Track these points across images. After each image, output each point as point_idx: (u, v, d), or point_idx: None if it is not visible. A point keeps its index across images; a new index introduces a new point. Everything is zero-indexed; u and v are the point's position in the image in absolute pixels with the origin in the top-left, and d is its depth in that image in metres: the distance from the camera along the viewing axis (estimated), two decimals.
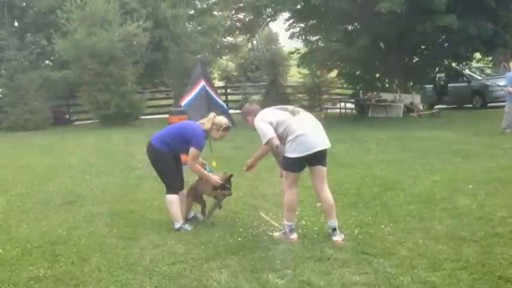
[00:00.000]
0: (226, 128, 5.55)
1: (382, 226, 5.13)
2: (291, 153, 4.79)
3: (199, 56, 23.52)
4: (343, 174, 8.05)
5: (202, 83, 17.17)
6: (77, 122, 25.73)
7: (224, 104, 18.29)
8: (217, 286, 3.84)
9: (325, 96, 25.34)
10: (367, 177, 7.78)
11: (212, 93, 17.56)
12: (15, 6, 25.15)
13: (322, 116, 20.91)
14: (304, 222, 5.45)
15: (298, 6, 18.00)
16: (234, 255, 4.47)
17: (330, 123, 17.90)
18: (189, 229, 5.37)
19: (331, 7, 16.58)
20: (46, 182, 8.29)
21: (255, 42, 56.97)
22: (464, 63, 20.74)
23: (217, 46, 30.77)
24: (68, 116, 26.49)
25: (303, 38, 19.80)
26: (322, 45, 19.39)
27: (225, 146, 12.04)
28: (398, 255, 4.32)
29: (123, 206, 6.46)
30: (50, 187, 7.91)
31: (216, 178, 5.51)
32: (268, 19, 20.39)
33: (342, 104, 21.58)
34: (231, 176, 5.66)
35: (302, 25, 19.88)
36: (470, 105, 21.30)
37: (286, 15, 20.14)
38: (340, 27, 17.14)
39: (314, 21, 19.84)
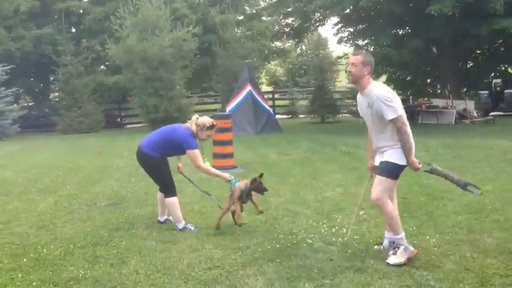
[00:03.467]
0: (211, 127, 5.52)
1: (428, 237, 4.92)
2: (401, 160, 4.38)
3: (247, 60, 23.64)
4: None
5: (249, 87, 17.24)
6: (128, 126, 26.41)
7: (270, 109, 18.23)
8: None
9: None
10: (414, 185, 7.53)
11: (258, 97, 17.61)
12: (72, 13, 26.17)
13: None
14: (345, 230, 5.29)
15: (347, 11, 17.78)
16: (271, 262, 4.39)
17: None
18: (193, 229, 5.45)
19: (380, 10, 16.25)
20: (93, 184, 8.49)
21: (303, 47, 56.94)
22: None
23: (265, 51, 30.94)
24: (119, 120, 27.23)
25: (352, 42, 19.49)
26: (371, 49, 19.00)
27: (269, 150, 12.01)
28: (443, 268, 4.11)
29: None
30: (97, 188, 8.08)
31: (226, 175, 5.50)
32: (317, 24, 20.20)
33: None
34: (261, 175, 5.52)
35: (351, 29, 19.58)
36: None
37: (335, 19, 19.93)
38: (390, 31, 16.73)
39: (363, 26, 19.52)
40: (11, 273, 4.33)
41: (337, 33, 19.83)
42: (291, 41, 29.63)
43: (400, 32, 18.75)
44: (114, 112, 27.13)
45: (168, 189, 5.58)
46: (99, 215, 6.33)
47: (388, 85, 22.47)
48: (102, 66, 28.78)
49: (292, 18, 19.93)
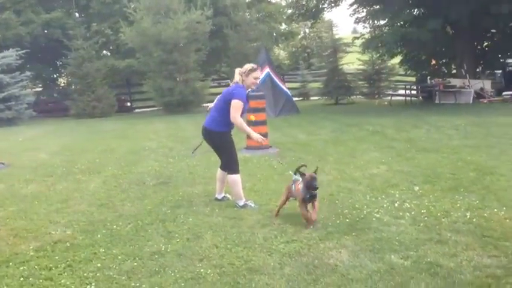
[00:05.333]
0: (252, 69, 5.43)
1: (495, 210, 4.96)
2: None
3: (258, 43, 23.57)
4: (431, 159, 7.84)
5: (267, 69, 17.15)
6: (137, 110, 26.34)
7: (288, 91, 18.20)
8: (341, 265, 3.81)
9: (385, 83, 24.90)
10: (458, 162, 7.55)
11: (276, 79, 17.54)
12: None
13: (386, 103, 20.57)
14: (408, 205, 5.33)
15: None
16: (348, 236, 4.44)
17: (396, 109, 17.59)
18: (253, 205, 5.49)
19: None
20: (133, 164, 8.51)
21: (307, 30, 56.70)
22: None
23: (274, 34, 30.77)
24: (129, 104, 27.14)
25: (370, 22, 19.38)
26: (388, 29, 18.88)
27: (296, 131, 12.03)
28: None
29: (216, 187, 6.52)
30: (139, 169, 8.11)
31: (258, 136, 5.40)
32: (332, 4, 20.06)
33: (407, 91, 21.07)
34: (315, 170, 4.93)
35: (368, 8, 19.44)
36: None
37: (349, 0, 19.78)
38: (408, 10, 16.60)
39: (378, 6, 19.39)
40: (91, 248, 4.38)
41: (353, 14, 19.73)
42: (300, 23, 29.40)
43: (417, 12, 18.58)
44: (121, 96, 27.05)
45: (233, 166, 5.59)
46: (153, 194, 6.36)
47: (403, 65, 22.48)
48: (105, 51, 28.47)
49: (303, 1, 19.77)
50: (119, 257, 4.15)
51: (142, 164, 8.52)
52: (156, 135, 12.70)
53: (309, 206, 4.78)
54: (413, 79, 25.68)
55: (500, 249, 3.96)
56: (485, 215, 4.83)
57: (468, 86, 18.40)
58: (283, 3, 30.85)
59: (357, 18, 19.76)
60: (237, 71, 5.59)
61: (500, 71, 22.07)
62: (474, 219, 4.72)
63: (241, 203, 5.53)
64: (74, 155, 9.79)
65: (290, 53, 57.62)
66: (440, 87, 18.57)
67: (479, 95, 18.36)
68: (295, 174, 5.02)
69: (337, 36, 26.16)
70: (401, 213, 5.03)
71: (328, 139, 10.70)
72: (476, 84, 18.66)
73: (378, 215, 5.00)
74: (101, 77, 23.02)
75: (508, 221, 4.64)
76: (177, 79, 20.42)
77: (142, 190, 6.59)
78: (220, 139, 5.56)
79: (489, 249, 3.98)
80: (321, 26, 50.42)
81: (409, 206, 5.29)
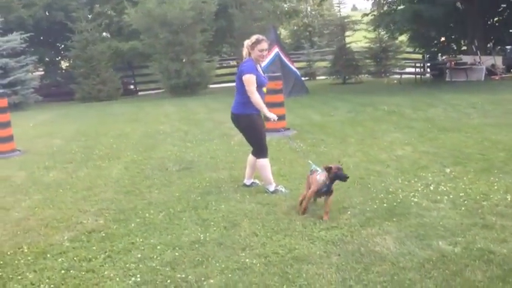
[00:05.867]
0: (257, 41, 5.26)
1: None
2: None
3: (263, 23, 23.25)
4: (455, 139, 7.73)
5: (276, 49, 16.92)
6: (140, 93, 26.11)
7: (297, 70, 17.98)
8: (389, 252, 3.72)
9: (392, 62, 24.63)
10: (484, 141, 7.45)
11: (285, 59, 17.32)
12: None
13: (395, 82, 20.36)
14: (443, 188, 5.23)
15: None
16: (389, 222, 4.34)
17: (407, 88, 17.42)
18: (285, 190, 5.37)
19: None
20: (152, 149, 8.40)
21: (308, 8, 56.03)
22: None
23: (278, 12, 30.35)
24: (132, 87, 26.84)
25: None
26: (399, 7, 18.57)
27: (309, 112, 11.89)
28: None
29: (241, 173, 6.41)
30: (158, 154, 8.00)
31: (272, 114, 5.26)
32: None
33: (417, 69, 20.83)
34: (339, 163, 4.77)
35: None
36: None
37: None
38: None
39: None
40: (127, 238, 4.30)
41: None
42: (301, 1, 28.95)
43: None
44: (124, 79, 26.72)
45: (262, 150, 5.47)
46: (178, 180, 6.26)
47: (412, 43, 22.18)
48: (104, 34, 27.98)
49: None
50: (158, 247, 4.06)
51: (161, 149, 8.41)
52: (167, 118, 12.56)
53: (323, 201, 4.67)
54: (419, 57, 25.46)
55: None
56: None
57: (479, 62, 18.17)
58: None
59: None
60: (245, 44, 5.43)
61: (510, 47, 21.81)
62: None
63: (271, 188, 5.42)
64: (89, 140, 9.67)
65: (292, 31, 56.99)
66: (451, 65, 18.34)
67: (490, 71, 18.15)
68: (322, 169, 4.67)
69: (344, 14, 25.90)
70: (439, 197, 4.93)
71: (344, 120, 10.57)
72: (488, 60, 18.43)
73: (415, 199, 4.90)
74: (105, 60, 22.73)
75: None
76: (184, 61, 20.16)
77: (167, 176, 6.49)
78: (247, 122, 5.41)
79: None
80: (323, 4, 49.84)
81: (444, 189, 5.20)
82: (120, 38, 26.19)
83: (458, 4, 19.32)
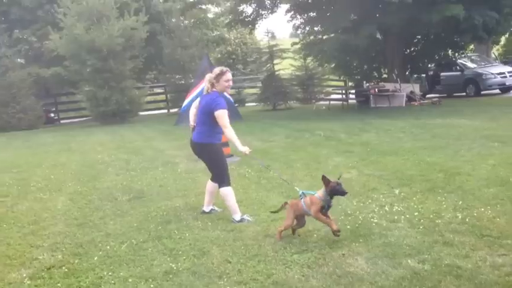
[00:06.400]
0: (221, 73, 5.30)
1: (482, 209, 5.20)
2: None
3: (192, 50, 23.41)
4: (395, 162, 8.11)
5: None
6: (63, 121, 25.07)
7: (231, 97, 18.13)
8: (364, 273, 3.83)
9: (318, 88, 25.61)
10: (420, 163, 7.86)
11: None
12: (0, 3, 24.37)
13: (324, 108, 21.11)
14: (397, 208, 5.47)
15: None
16: (356, 243, 4.47)
17: (336, 114, 18.09)
18: (251, 219, 5.36)
19: None
20: (95, 179, 8.09)
21: (232, 36, 56.98)
22: (460, 52, 21.17)
23: (206, 41, 30.64)
24: (53, 115, 25.57)
25: (308, 29, 19.79)
26: (328, 37, 19.39)
27: (249, 138, 12.01)
28: None
29: (196, 200, 6.36)
30: (103, 184, 7.73)
31: (245, 148, 5.24)
32: (268, 11, 20.31)
33: (335, 96, 21.73)
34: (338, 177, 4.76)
35: (304, 16, 19.88)
36: (463, 94, 21.79)
37: (285, 6, 20.10)
38: (346, 17, 17.14)
39: (314, 13, 19.87)
40: (93, 272, 4.11)
41: (291, 20, 20.07)
42: (233, 29, 29.53)
43: (352, 18, 19.20)
44: (43, 107, 25.45)
45: (224, 179, 5.46)
46: (132, 209, 6.08)
47: (337, 71, 23.20)
48: (19, 59, 26.65)
49: (244, 6, 19.83)
50: (130, 280, 3.92)
51: (104, 179, 8.13)
52: (103, 147, 12.18)
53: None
54: (342, 84, 26.69)
55: (505, 247, 4.15)
56: (475, 214, 5.06)
57: (399, 89, 19.30)
58: (214, 9, 30.87)
59: (294, 25, 20.15)
60: (207, 78, 5.46)
61: (424, 75, 23.43)
62: (467, 219, 4.92)
63: (237, 218, 5.38)
64: (23, 172, 9.15)
65: (216, 59, 57.59)
66: (374, 92, 19.32)
67: (410, 98, 19.30)
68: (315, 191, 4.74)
69: (261, 42, 26.63)
70: (396, 217, 5.15)
71: (285, 145, 10.79)
72: (407, 88, 19.60)
73: (375, 220, 5.09)
74: (26, 87, 21.70)
75: (498, 219, 4.88)
76: (112, 88, 19.69)
77: (118, 206, 6.28)
78: (212, 151, 5.43)
79: (496, 248, 4.16)
80: (245, 32, 50.89)
81: (399, 209, 5.44)
82: (41, 64, 25.16)
83: (378, 35, 20.49)
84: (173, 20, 24.86)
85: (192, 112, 5.78)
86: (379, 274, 3.79)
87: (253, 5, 19.70)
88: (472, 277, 3.63)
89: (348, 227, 4.93)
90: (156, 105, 26.48)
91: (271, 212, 5.39)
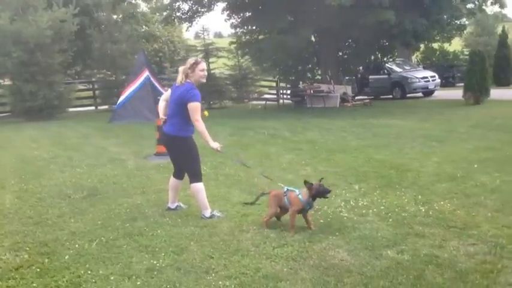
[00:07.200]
0: (196, 62, 5.22)
1: (441, 203, 5.48)
2: None
3: (123, 45, 22.77)
4: (346, 159, 8.36)
5: (147, 72, 16.71)
6: None
7: None
8: (350, 264, 3.91)
9: (252, 88, 25.79)
10: (371, 160, 8.16)
11: (156, 83, 17.12)
12: None
13: (260, 107, 21.29)
14: (362, 202, 5.63)
15: None
16: (333, 236, 4.55)
17: (274, 113, 18.34)
18: (221, 215, 5.29)
19: None
20: (39, 177, 7.61)
21: (166, 33, 56.00)
22: (388, 56, 22.19)
23: (136, 36, 29.89)
24: None
25: (246, 28, 19.87)
26: (259, 35, 19.59)
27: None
28: (483, 227, 4.65)
29: (157, 197, 6.19)
30: (50, 181, 7.30)
31: (216, 144, 5.26)
32: (204, 9, 20.15)
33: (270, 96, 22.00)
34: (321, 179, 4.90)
35: (240, 15, 19.96)
36: (390, 96, 22.88)
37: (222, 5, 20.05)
38: (283, 18, 17.41)
39: (250, 13, 20.01)
40: (69, 271, 3.88)
41: (228, 19, 20.05)
42: (163, 25, 29.10)
43: (289, 19, 19.51)
44: None
45: (196, 174, 5.33)
46: (91, 207, 5.80)
47: (273, 71, 23.49)
48: None
49: (179, 2, 19.54)
50: (112, 278, 3.74)
51: (49, 176, 7.69)
52: (37, 143, 11.51)
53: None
54: (274, 84, 27.09)
55: (473, 237, 4.41)
56: (436, 207, 5.33)
57: (333, 90, 19.89)
58: (146, 5, 30.20)
59: (232, 24, 20.16)
60: (181, 69, 5.34)
61: (354, 77, 24.34)
62: (430, 212, 5.17)
63: (207, 214, 5.27)
64: None
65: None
66: (309, 92, 19.77)
67: (343, 99, 19.94)
68: (304, 183, 4.78)
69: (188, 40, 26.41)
70: (364, 211, 5.31)
71: (232, 143, 10.74)
72: (340, 89, 20.26)
73: (345, 214, 5.22)
74: None
75: (458, 211, 5.17)
76: (40, 82, 18.64)
77: (74, 204, 5.97)
78: (185, 144, 5.29)
79: (464, 238, 4.40)
80: (173, 30, 50.18)
81: (364, 203, 5.60)
82: None
83: (312, 37, 21.02)
84: (103, 14, 24.00)
85: (162, 105, 5.61)
86: (364, 265, 3.88)
87: (190, 2, 19.45)
88: (451, 265, 3.81)
89: (321, 221, 5.02)
90: (81, 102, 25.00)
91: (246, 203, 5.41)
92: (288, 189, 4.92)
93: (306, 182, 4.75)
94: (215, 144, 5.23)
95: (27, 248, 4.44)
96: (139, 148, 10.34)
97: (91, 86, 25.44)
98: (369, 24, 16.49)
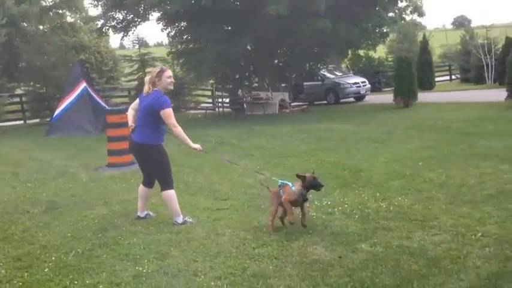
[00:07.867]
0: (162, 70, 5.38)
1: (399, 198, 5.85)
2: None
3: (52, 58, 22.12)
4: (299, 163, 8.60)
5: (84, 84, 16.32)
6: None
7: (106, 105, 17.45)
8: (330, 259, 4.13)
9: (188, 98, 25.79)
10: (323, 163, 8.48)
11: (94, 94, 16.77)
12: None
13: (200, 116, 21.33)
14: (326, 201, 5.90)
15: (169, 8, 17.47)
16: (307, 234, 4.77)
17: (215, 121, 18.43)
18: (193, 221, 5.37)
19: (212, 8, 16.86)
20: None
21: (88, 43, 54.43)
22: (322, 63, 22.98)
23: (64, 47, 28.99)
24: None
25: (183, 38, 19.88)
26: (195, 45, 19.68)
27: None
28: (441, 219, 5.04)
29: (122, 207, 6.16)
30: (3, 197, 7.03)
31: (197, 145, 5.48)
32: (139, 20, 19.94)
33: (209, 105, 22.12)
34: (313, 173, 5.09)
35: (175, 26, 19.97)
36: (324, 102, 23.66)
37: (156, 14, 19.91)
38: (220, 29, 17.62)
39: (185, 23, 20.05)
40: (54, 283, 3.86)
41: (165, 29, 19.94)
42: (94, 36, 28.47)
43: (227, 29, 19.72)
44: None
45: (168, 181, 5.38)
46: (55, 221, 5.68)
47: (211, 79, 23.60)
48: None
49: (113, 12, 19.18)
50: (101, 286, 3.75)
51: (1, 192, 7.39)
52: None
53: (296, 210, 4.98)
54: (209, 92, 27.23)
55: (435, 228, 4.77)
56: (395, 203, 5.69)
57: (272, 98, 20.30)
58: (74, 15, 29.35)
59: (169, 33, 20.09)
60: (147, 79, 5.41)
61: (288, 85, 24.96)
62: (391, 208, 5.51)
63: (179, 220, 5.32)
64: None
65: (69, 67, 54.51)
66: (249, 100, 20.06)
67: (281, 105, 20.40)
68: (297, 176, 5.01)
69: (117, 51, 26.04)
70: (330, 210, 5.57)
71: (182, 151, 10.67)
72: (278, 96, 20.71)
73: (313, 213, 5.45)
74: None
75: (415, 206, 5.55)
76: None
77: (37, 218, 5.82)
78: (155, 153, 5.33)
79: (428, 229, 4.75)
80: (99, 40, 49.04)
81: (328, 203, 5.87)
82: None
83: (249, 46, 21.37)
84: (27, 25, 23.14)
85: (131, 113, 5.61)
86: (343, 259, 4.12)
87: (124, 12, 19.18)
88: (422, 254, 4.13)
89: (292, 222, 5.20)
90: (5, 116, 23.41)
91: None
92: (282, 183, 5.12)
93: (298, 175, 4.96)
94: (196, 146, 5.37)
95: (1, 264, 4.32)
96: (87, 160, 10.14)
97: (18, 100, 24.32)
98: (305, 33, 17.01)
